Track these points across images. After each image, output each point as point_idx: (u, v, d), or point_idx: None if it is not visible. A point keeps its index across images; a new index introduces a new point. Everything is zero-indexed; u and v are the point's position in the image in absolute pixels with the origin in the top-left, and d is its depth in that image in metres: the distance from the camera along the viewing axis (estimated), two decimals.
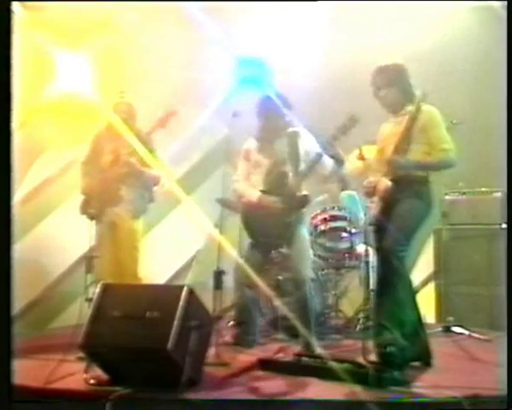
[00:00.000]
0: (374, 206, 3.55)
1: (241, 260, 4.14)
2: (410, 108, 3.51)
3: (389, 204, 3.48)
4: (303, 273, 3.95)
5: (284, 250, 4.43)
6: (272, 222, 3.91)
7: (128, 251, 4.17)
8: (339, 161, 3.92)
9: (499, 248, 4.64)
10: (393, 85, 3.54)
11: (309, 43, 5.61)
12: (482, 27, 5.11)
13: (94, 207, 4.17)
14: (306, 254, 4.04)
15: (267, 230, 3.93)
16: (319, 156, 3.86)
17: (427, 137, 3.46)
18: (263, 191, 4.01)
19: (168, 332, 2.95)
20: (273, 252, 4.14)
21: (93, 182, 4.23)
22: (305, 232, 4.05)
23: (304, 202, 3.96)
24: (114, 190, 4.16)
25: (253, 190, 4.05)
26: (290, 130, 4.06)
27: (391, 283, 3.38)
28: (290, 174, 3.95)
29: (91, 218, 4.17)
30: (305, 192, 3.96)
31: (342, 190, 5.25)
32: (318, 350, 3.79)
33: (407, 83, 3.58)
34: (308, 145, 3.97)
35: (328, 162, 3.97)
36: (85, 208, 4.22)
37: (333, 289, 4.84)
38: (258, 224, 4.00)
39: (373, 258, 4.46)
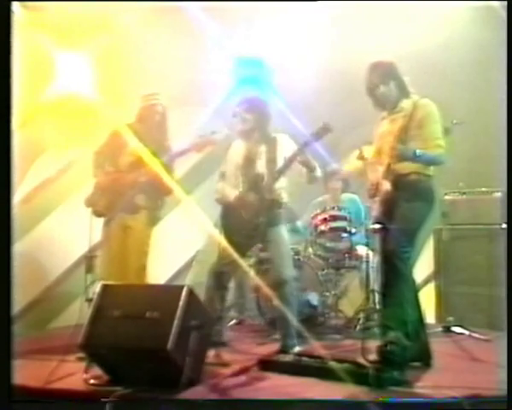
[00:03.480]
0: (376, 207, 3.55)
1: (241, 260, 4.15)
2: (406, 104, 3.49)
3: (391, 206, 3.47)
4: (284, 273, 3.96)
5: (262, 252, 4.52)
6: (245, 222, 3.97)
7: (137, 256, 4.11)
8: (310, 168, 3.93)
9: (499, 248, 4.64)
10: (391, 81, 3.53)
11: (309, 43, 5.61)
12: (482, 27, 5.10)
13: (104, 206, 4.07)
14: (286, 254, 4.05)
15: (240, 229, 3.98)
16: (290, 162, 3.91)
17: (422, 133, 3.44)
18: (240, 192, 4.06)
19: (168, 332, 2.95)
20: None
21: (107, 179, 4.12)
22: (284, 233, 4.06)
23: (275, 204, 4.01)
24: (131, 198, 4.09)
25: (230, 190, 4.11)
26: (270, 135, 4.12)
27: (395, 284, 3.37)
28: (266, 177, 4.01)
29: (98, 215, 4.08)
30: (278, 195, 4.02)
31: (343, 190, 5.26)
32: (297, 349, 3.83)
33: (401, 79, 3.57)
34: (286, 151, 4.00)
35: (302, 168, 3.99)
36: (93, 204, 4.08)
37: (333, 289, 4.84)
38: (233, 223, 4.04)
39: (373, 259, 4.49)
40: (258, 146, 4.10)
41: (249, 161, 4.11)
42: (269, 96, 5.36)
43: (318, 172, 3.99)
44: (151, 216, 4.19)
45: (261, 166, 4.05)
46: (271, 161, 4.02)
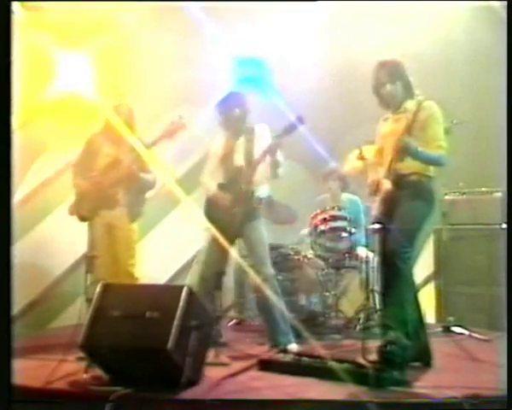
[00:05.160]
0: (376, 205, 3.54)
1: (240, 260, 4.15)
2: (410, 104, 3.50)
3: (391, 205, 3.47)
4: (262, 272, 3.94)
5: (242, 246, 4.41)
6: (223, 215, 3.97)
7: (125, 253, 4.19)
8: (275, 165, 3.93)
9: (499, 248, 4.64)
10: (398, 80, 3.53)
11: (309, 43, 5.61)
12: (482, 27, 5.11)
13: (87, 209, 4.15)
14: (263, 252, 4.02)
15: (220, 222, 3.98)
16: (264, 155, 3.91)
17: (425, 134, 3.44)
18: (220, 185, 4.08)
19: (168, 332, 2.95)
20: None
21: (86, 184, 4.21)
22: (261, 228, 4.05)
23: (252, 198, 4.01)
24: (111, 194, 4.16)
25: (211, 183, 4.12)
26: (248, 126, 4.11)
27: (395, 284, 3.37)
28: (243, 169, 4.01)
29: (82, 219, 4.17)
30: (254, 189, 4.02)
31: (343, 190, 5.25)
32: (294, 347, 3.83)
33: (408, 79, 3.58)
34: (263, 143, 3.99)
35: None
36: (76, 209, 4.20)
37: (333, 289, 4.84)
38: (214, 217, 4.05)
39: (373, 259, 4.49)
40: (237, 138, 4.11)
41: (228, 153, 4.11)
42: (269, 96, 5.39)
43: (281, 171, 3.99)
44: (132, 212, 4.23)
45: (239, 159, 4.06)
46: (249, 152, 4.02)
